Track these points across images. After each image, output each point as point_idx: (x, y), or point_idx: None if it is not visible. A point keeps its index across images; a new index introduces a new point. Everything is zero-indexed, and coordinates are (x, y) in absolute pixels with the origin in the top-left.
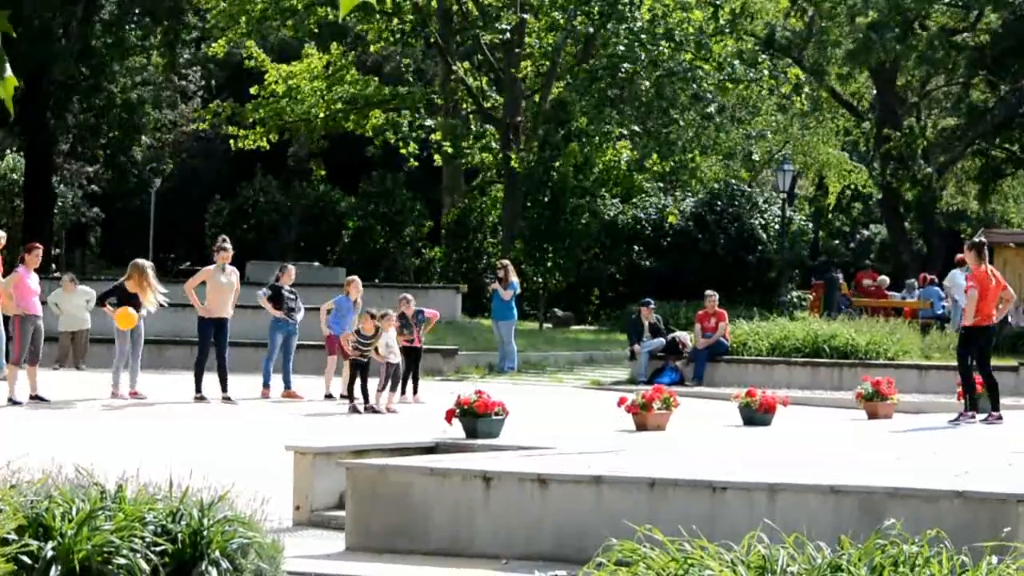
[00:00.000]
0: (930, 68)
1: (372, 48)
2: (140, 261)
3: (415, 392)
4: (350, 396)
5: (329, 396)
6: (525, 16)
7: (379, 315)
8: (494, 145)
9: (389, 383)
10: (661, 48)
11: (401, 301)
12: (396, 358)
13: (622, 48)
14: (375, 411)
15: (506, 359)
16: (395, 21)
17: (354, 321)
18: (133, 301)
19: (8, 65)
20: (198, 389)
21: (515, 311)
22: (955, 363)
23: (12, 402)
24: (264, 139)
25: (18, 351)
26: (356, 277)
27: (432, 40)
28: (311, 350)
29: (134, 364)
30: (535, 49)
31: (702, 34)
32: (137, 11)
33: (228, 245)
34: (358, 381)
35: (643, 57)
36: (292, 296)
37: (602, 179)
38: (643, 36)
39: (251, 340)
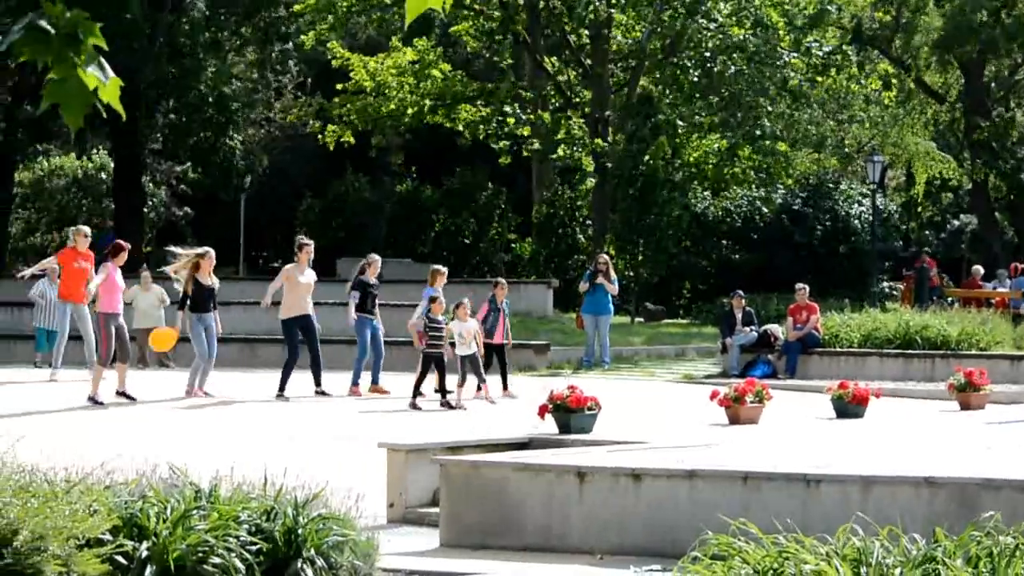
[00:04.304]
0: (1018, 58)
1: (468, 48)
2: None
3: (504, 387)
4: (415, 392)
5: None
6: (612, 11)
7: (454, 305)
8: (584, 140)
9: (468, 376)
10: (748, 38)
11: (495, 285)
12: (470, 350)
13: (709, 35)
14: (452, 407)
15: (602, 353)
16: (482, 19)
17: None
18: (206, 294)
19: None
20: (281, 388)
21: (611, 306)
22: None
23: (93, 401)
24: (350, 133)
25: (105, 350)
26: (443, 268)
27: (520, 38)
28: (398, 346)
29: (207, 364)
30: (622, 44)
31: (790, 25)
32: (224, 9)
33: (307, 242)
34: (432, 377)
35: (730, 45)
36: (377, 291)
37: (691, 172)
38: (731, 27)
39: (340, 337)
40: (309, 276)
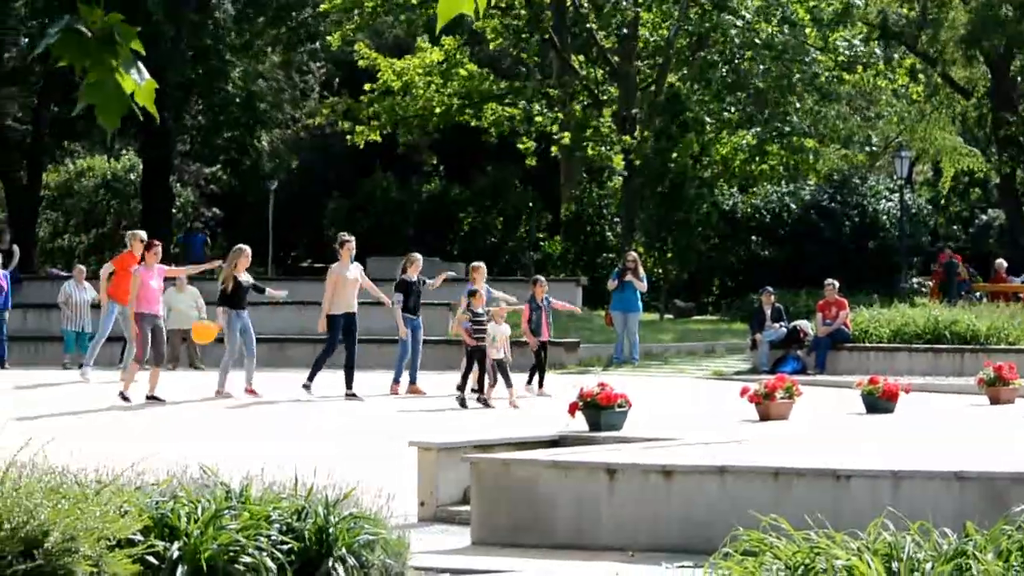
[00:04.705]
0: None
1: (491, 46)
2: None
3: (540, 385)
4: (462, 388)
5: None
6: (639, 10)
7: (492, 310)
8: (612, 137)
9: (498, 378)
10: (775, 33)
11: (534, 283)
12: (499, 354)
13: (735, 31)
14: (488, 405)
15: (632, 350)
16: (508, 18)
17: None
18: (243, 291)
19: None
20: (310, 378)
21: (640, 303)
22: None
23: (123, 397)
24: (378, 133)
25: (140, 350)
26: (482, 264)
27: (547, 36)
28: (435, 346)
29: (250, 362)
30: (649, 42)
31: (816, 22)
32: (252, 10)
33: (348, 238)
34: (474, 373)
35: (758, 41)
36: (421, 287)
37: (719, 169)
38: (758, 22)
39: (376, 336)
40: (354, 271)
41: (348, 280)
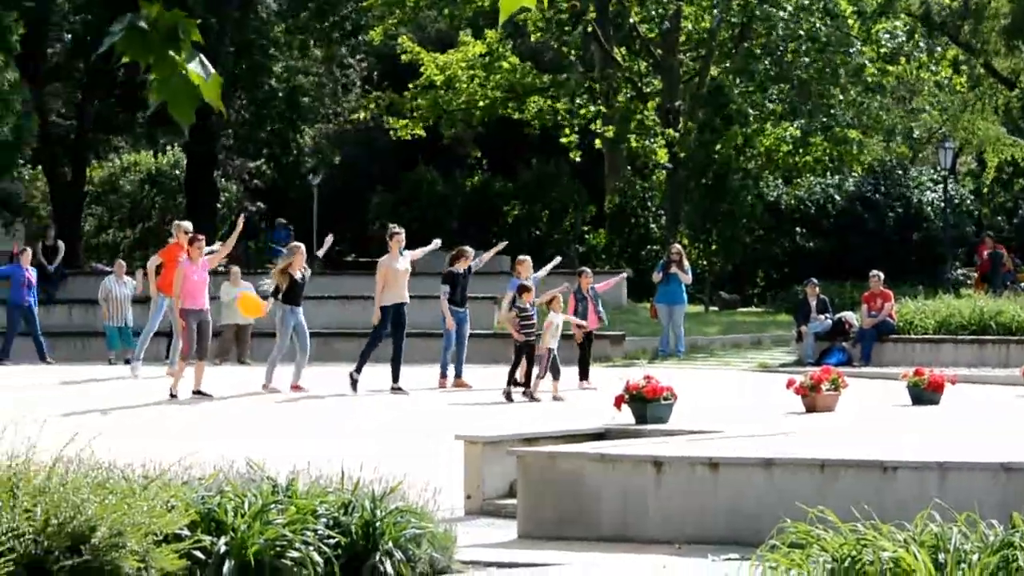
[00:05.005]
0: None
1: (533, 38)
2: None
3: (584, 377)
4: (510, 381)
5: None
6: (681, 2)
7: (547, 298)
8: (655, 130)
9: (548, 371)
10: (818, 25)
11: (580, 275)
12: (554, 343)
13: (782, 24)
14: (534, 398)
15: (677, 343)
16: (551, 11)
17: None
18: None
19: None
20: (358, 369)
21: (685, 295)
22: None
23: (173, 396)
24: (421, 127)
25: (186, 346)
26: (527, 257)
27: (589, 29)
28: (481, 339)
29: (301, 359)
30: (692, 34)
31: (859, 14)
32: (293, 6)
33: (398, 230)
34: (521, 367)
35: (802, 33)
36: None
37: (762, 161)
38: (800, 14)
39: (422, 330)
40: (404, 263)
41: (399, 272)
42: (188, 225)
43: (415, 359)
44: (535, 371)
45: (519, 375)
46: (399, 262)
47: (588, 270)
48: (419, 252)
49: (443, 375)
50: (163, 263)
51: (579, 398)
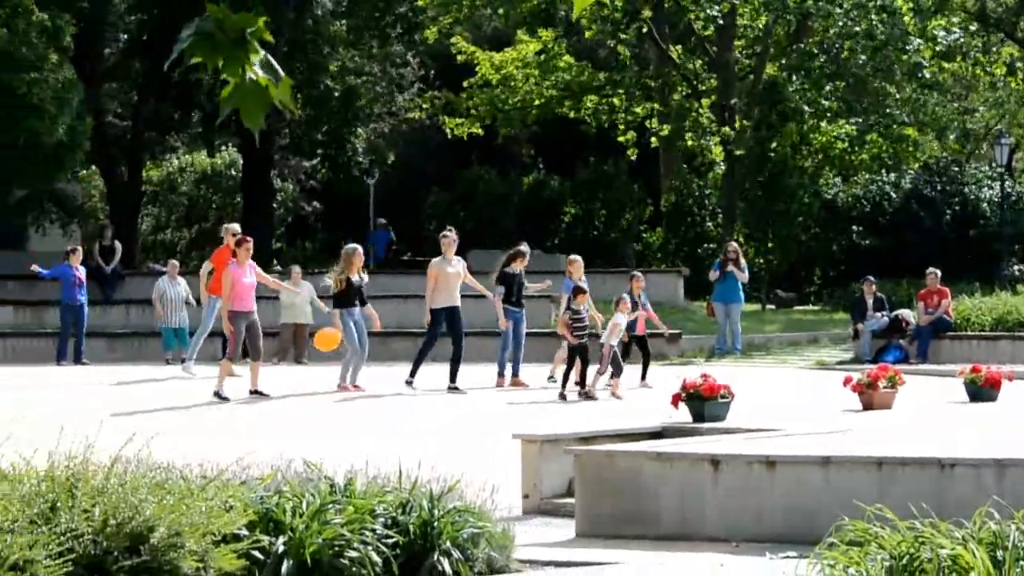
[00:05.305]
0: None
1: (588, 35)
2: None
3: (643, 377)
4: (564, 383)
5: (552, 379)
6: (736, 1)
7: (615, 299)
8: (711, 128)
9: (610, 368)
10: (875, 22)
11: (631, 279)
12: (616, 340)
13: (839, 22)
14: (591, 397)
15: (734, 341)
16: (606, 9)
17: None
18: (355, 290)
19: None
20: (412, 374)
21: (742, 294)
22: None
23: (218, 396)
24: (478, 125)
25: (233, 347)
26: (578, 257)
27: (644, 29)
28: (537, 338)
29: (359, 359)
30: (747, 32)
31: (915, 11)
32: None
33: (452, 234)
34: (576, 367)
35: (858, 30)
36: (524, 279)
37: (819, 159)
38: (857, 11)
39: (478, 329)
40: (457, 266)
41: (450, 274)
42: (236, 227)
43: (472, 358)
44: (592, 369)
45: (573, 375)
46: (451, 265)
47: (639, 274)
48: (477, 285)
49: (500, 375)
50: (214, 268)
51: (637, 397)
